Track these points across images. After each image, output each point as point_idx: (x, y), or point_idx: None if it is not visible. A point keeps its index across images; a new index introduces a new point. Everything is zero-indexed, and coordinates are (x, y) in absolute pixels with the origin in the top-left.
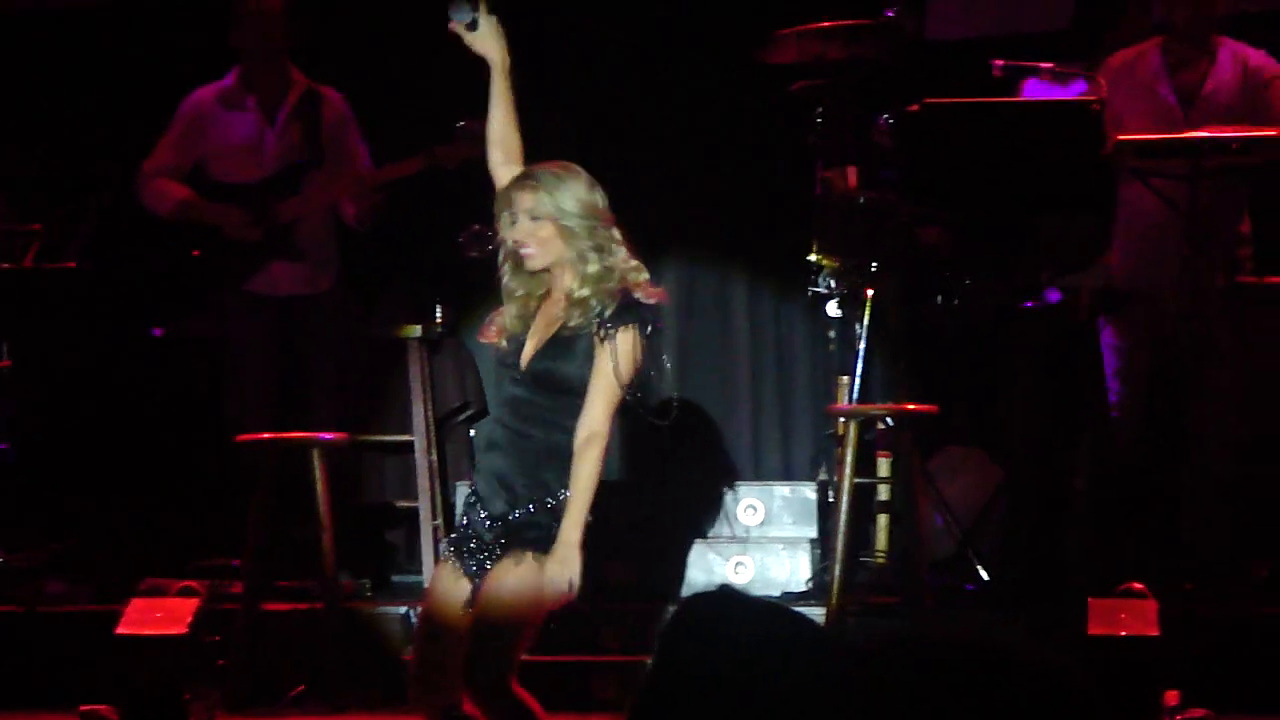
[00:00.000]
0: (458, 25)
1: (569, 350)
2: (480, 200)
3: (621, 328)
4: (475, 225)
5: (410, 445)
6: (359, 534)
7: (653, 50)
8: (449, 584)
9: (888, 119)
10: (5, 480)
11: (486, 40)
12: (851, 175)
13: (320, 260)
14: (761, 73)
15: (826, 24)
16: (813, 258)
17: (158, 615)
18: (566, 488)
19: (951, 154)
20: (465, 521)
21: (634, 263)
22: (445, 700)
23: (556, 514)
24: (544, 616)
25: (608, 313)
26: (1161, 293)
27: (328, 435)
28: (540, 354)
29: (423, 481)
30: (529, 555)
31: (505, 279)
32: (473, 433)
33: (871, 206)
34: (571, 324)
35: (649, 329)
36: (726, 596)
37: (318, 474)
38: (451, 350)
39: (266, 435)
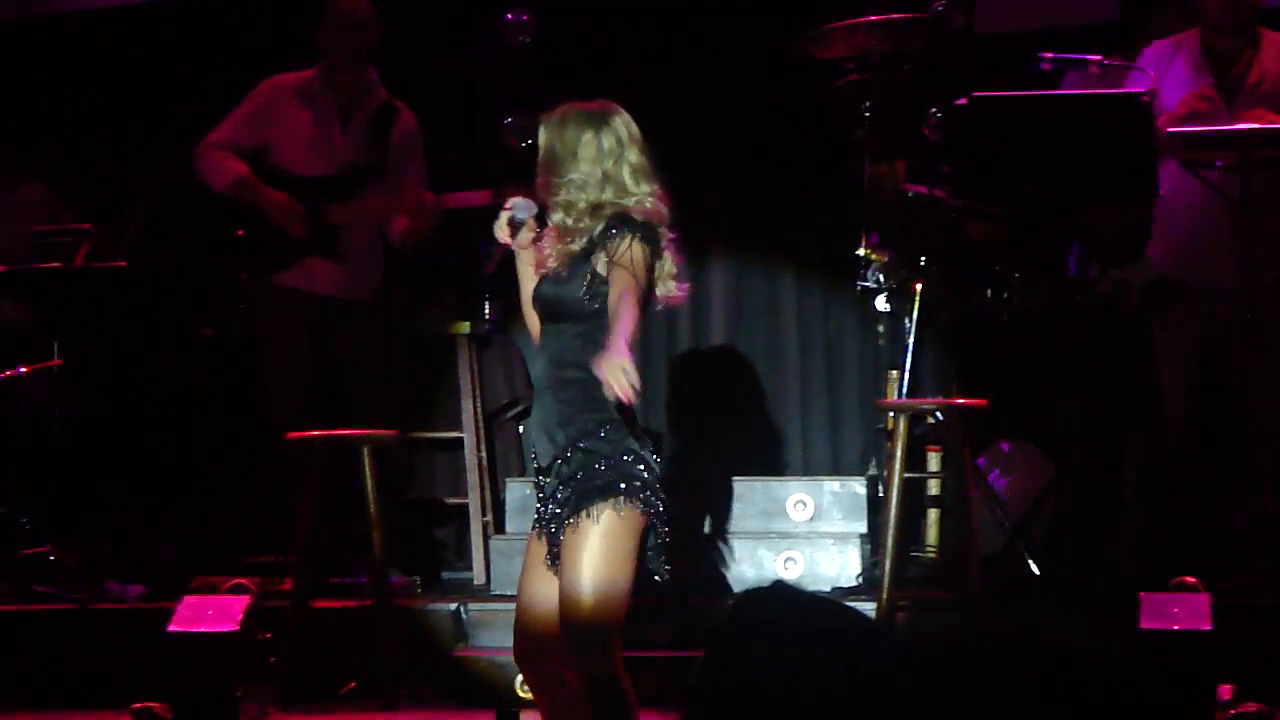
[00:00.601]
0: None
1: (569, 275)
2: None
3: (618, 237)
4: (515, 114)
5: (460, 442)
6: (409, 531)
7: (700, 45)
8: (534, 549)
9: (936, 113)
10: (57, 478)
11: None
12: (900, 169)
13: (362, 268)
14: (810, 67)
15: (875, 18)
16: (861, 252)
17: (209, 612)
18: (605, 425)
19: (1000, 147)
20: (537, 488)
21: (644, 196)
22: (544, 671)
23: (603, 453)
24: (630, 572)
25: (598, 232)
26: (1211, 285)
27: (378, 432)
28: (541, 283)
29: (472, 478)
30: (584, 517)
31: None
32: (522, 429)
33: (920, 201)
34: (570, 252)
35: (651, 239)
36: (780, 592)
37: (367, 471)
38: (500, 346)
39: (317, 433)
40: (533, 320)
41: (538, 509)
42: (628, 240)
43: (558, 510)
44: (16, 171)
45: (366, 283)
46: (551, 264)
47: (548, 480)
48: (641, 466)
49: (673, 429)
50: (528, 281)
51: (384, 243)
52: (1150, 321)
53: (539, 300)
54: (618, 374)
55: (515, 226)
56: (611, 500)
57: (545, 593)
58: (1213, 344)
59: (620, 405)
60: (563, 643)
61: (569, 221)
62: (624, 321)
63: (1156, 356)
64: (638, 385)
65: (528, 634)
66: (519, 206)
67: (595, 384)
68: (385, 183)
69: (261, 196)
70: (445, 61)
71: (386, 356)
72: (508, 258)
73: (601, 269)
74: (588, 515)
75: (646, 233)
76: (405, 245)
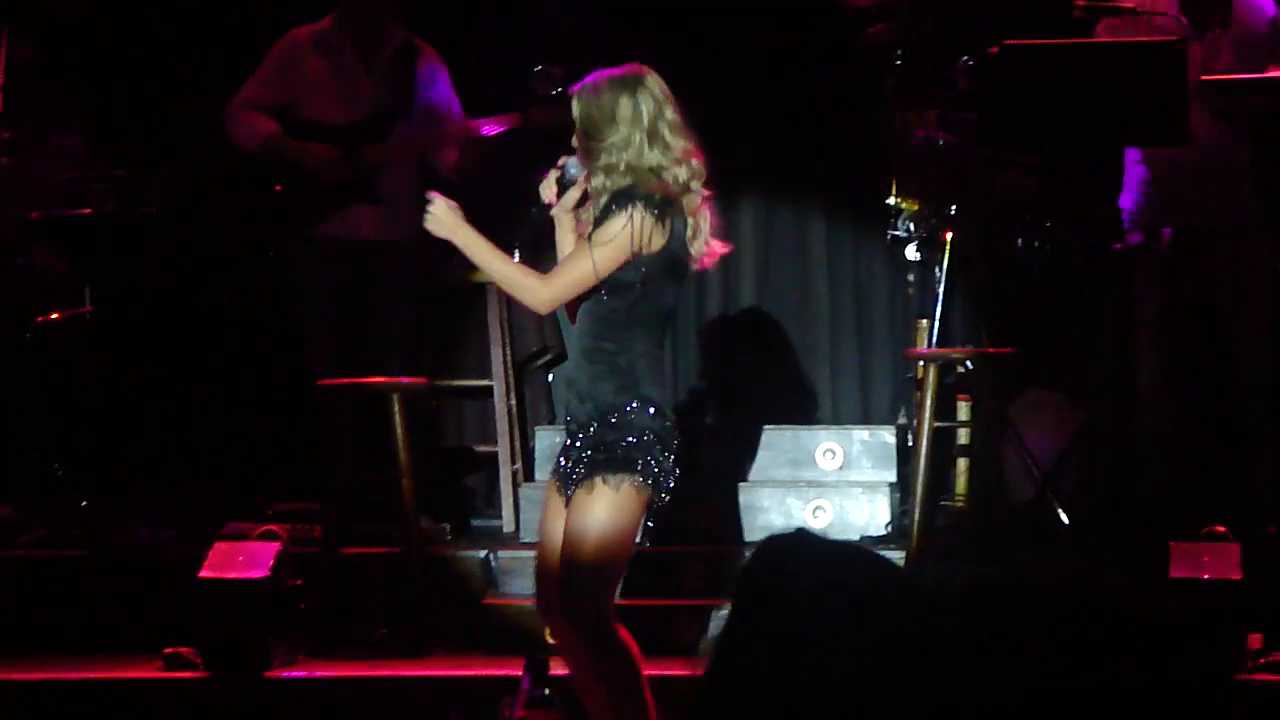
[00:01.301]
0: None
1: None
2: (554, 144)
3: (618, 212)
4: (546, 65)
5: (489, 390)
6: (438, 478)
7: None
8: (552, 501)
9: (967, 61)
10: (89, 425)
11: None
12: (931, 118)
13: (402, 209)
14: (840, 16)
15: None
16: (892, 201)
17: (239, 559)
18: (627, 401)
19: (1032, 96)
20: (564, 444)
21: (676, 168)
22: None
23: (617, 429)
24: (630, 542)
25: (605, 200)
26: (1243, 232)
27: (408, 380)
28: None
29: (501, 426)
30: (599, 481)
31: None
32: (550, 377)
33: (951, 149)
34: (591, 221)
35: (660, 206)
36: (801, 539)
37: (398, 418)
38: None
39: (347, 380)
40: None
41: (560, 461)
42: (623, 218)
43: (579, 469)
44: (50, 118)
45: (408, 223)
46: (589, 230)
47: (574, 440)
48: (660, 448)
49: (702, 378)
50: (567, 249)
51: (420, 182)
52: (1182, 270)
53: None
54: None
55: (564, 187)
56: (627, 475)
57: (555, 545)
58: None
59: (647, 383)
60: (556, 594)
61: (608, 184)
62: (558, 273)
63: (1187, 305)
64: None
65: (546, 580)
66: (570, 165)
67: (626, 358)
68: (415, 120)
69: (295, 149)
70: (473, 6)
71: (420, 303)
72: (545, 224)
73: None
74: (604, 481)
75: (650, 201)
76: (461, 173)
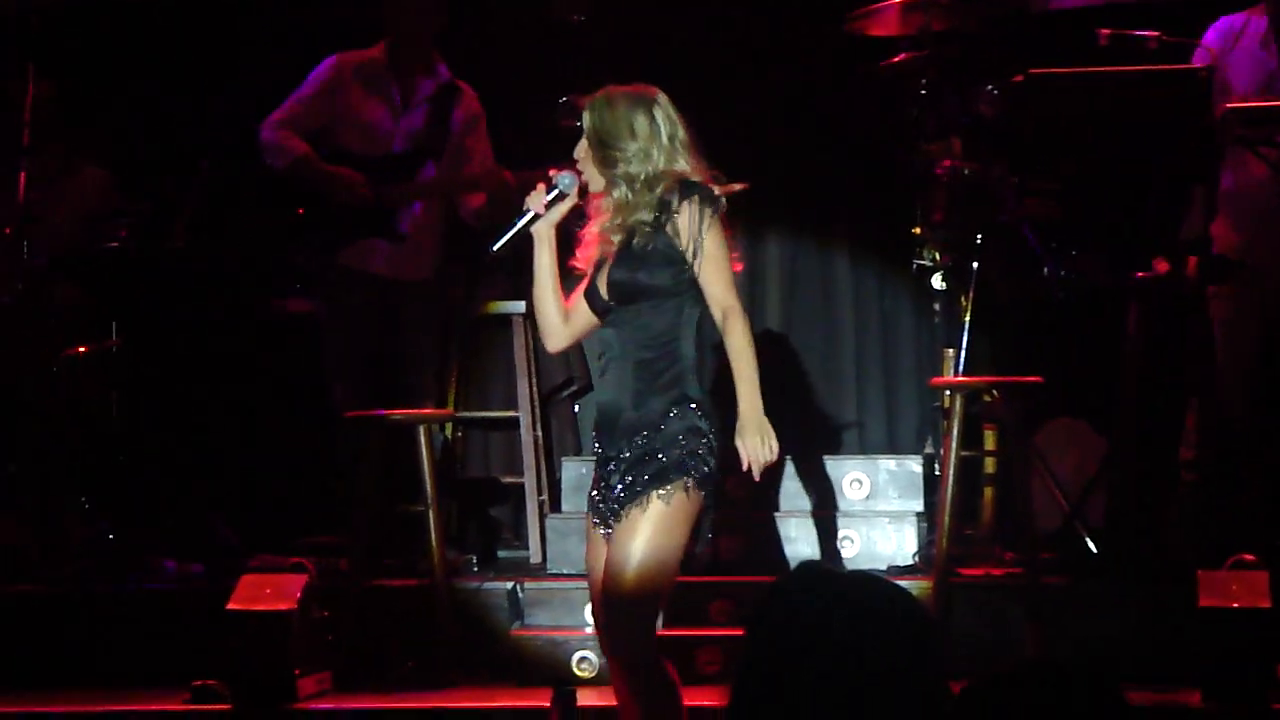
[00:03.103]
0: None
1: (641, 256)
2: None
3: (686, 202)
4: (571, 97)
5: (515, 421)
6: (465, 510)
7: (753, 23)
8: (593, 542)
9: (992, 90)
10: (116, 459)
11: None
12: (955, 147)
13: (422, 248)
14: (864, 45)
15: None
16: (916, 231)
17: (267, 591)
18: (676, 405)
19: (1057, 124)
20: (597, 474)
21: (696, 168)
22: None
23: (672, 434)
24: (682, 553)
25: (669, 197)
26: (1270, 263)
27: (433, 411)
28: (614, 267)
29: (528, 457)
30: (652, 497)
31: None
32: (577, 408)
33: (975, 178)
34: (637, 233)
35: (713, 202)
36: (812, 572)
37: (424, 450)
38: None
39: (373, 411)
40: (555, 308)
41: (600, 495)
42: (696, 207)
43: (623, 494)
44: (78, 155)
45: (426, 263)
46: (614, 245)
47: (613, 463)
48: (704, 445)
49: (729, 406)
50: (547, 271)
51: (444, 223)
52: (1210, 300)
53: (614, 286)
54: (757, 445)
55: (555, 200)
56: (676, 483)
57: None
58: (1271, 322)
59: (693, 387)
60: (603, 621)
61: (629, 195)
62: (746, 361)
63: (1217, 335)
64: (775, 451)
65: (602, 616)
66: (564, 179)
67: (670, 362)
68: (446, 162)
69: (322, 173)
70: (498, 40)
71: (443, 337)
72: (521, 242)
73: (678, 242)
74: (658, 496)
75: (706, 195)
76: (480, 221)
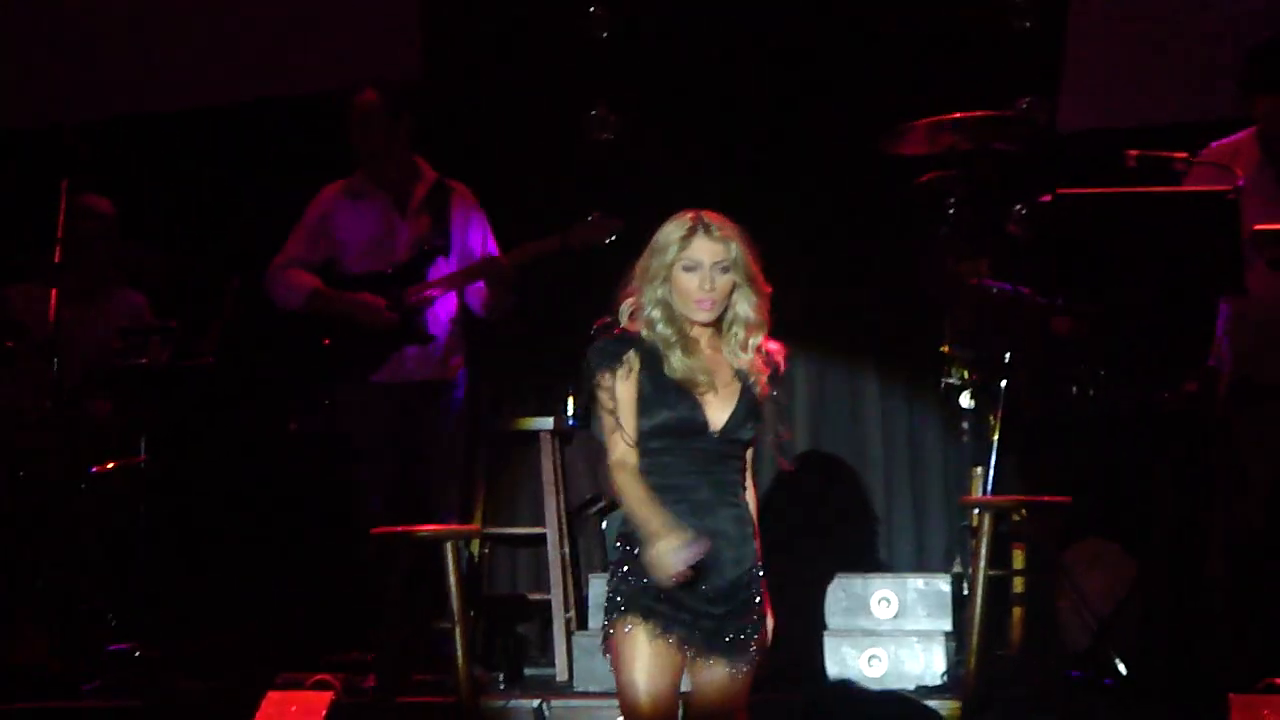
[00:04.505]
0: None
1: (751, 413)
2: (609, 290)
3: (780, 391)
4: (598, 108)
5: (543, 538)
6: (491, 627)
7: (784, 142)
8: (659, 653)
9: (1020, 209)
10: (143, 574)
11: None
12: (984, 266)
13: (446, 347)
14: (892, 164)
15: (958, 115)
16: (944, 349)
17: (293, 709)
18: (756, 563)
19: (1085, 244)
20: (665, 594)
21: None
22: None
23: (756, 596)
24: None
25: (771, 370)
26: None
27: (461, 528)
28: (734, 418)
29: (555, 574)
30: (748, 660)
31: (657, 326)
32: (604, 524)
33: (1004, 297)
34: (748, 384)
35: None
36: (845, 691)
37: (450, 566)
38: (583, 441)
39: (400, 528)
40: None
41: (688, 625)
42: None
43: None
44: (116, 278)
45: (450, 362)
46: (700, 381)
47: (711, 602)
48: (764, 607)
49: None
50: (629, 410)
51: (463, 325)
52: (1235, 420)
53: (724, 436)
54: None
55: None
56: (755, 649)
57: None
58: None
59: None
60: None
61: (740, 334)
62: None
63: (1243, 454)
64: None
65: None
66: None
67: (746, 507)
68: (453, 259)
69: (342, 301)
70: (527, 57)
71: (469, 452)
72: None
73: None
74: (746, 665)
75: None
76: (491, 313)
